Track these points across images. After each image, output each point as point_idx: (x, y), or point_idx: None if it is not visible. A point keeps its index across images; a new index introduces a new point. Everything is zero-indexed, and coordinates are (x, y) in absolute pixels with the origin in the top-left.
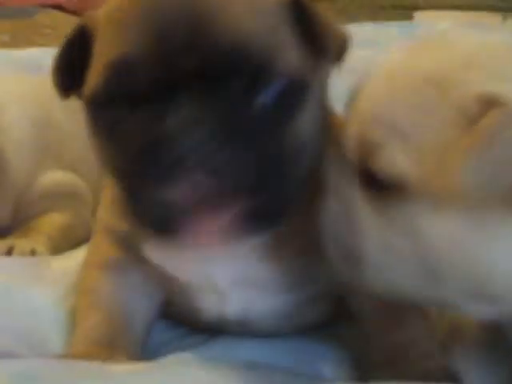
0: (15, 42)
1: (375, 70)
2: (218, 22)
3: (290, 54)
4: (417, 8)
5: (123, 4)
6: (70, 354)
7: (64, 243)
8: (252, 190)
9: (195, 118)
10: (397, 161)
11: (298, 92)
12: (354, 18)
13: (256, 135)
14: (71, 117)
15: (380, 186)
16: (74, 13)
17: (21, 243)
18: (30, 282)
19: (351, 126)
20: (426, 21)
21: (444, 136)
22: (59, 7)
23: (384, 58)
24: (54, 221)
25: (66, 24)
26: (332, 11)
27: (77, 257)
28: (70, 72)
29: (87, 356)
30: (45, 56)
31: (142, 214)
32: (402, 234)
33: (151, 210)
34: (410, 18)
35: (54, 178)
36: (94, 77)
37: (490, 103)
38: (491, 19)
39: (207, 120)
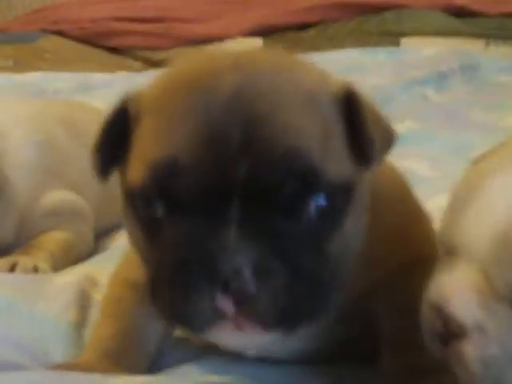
0: (18, 67)
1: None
2: (271, 126)
3: (340, 160)
4: (403, 34)
5: (171, 92)
6: (72, 363)
7: (65, 260)
8: (292, 302)
9: (246, 237)
10: None
11: (346, 199)
12: (342, 44)
13: (304, 252)
14: (73, 139)
15: None
16: (74, 38)
17: (23, 260)
18: (33, 296)
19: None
20: (413, 47)
21: None
22: (60, 33)
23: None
24: (55, 238)
25: (67, 49)
26: (320, 38)
27: (77, 273)
28: (108, 152)
29: (90, 366)
30: (46, 79)
31: (170, 310)
32: None
33: (181, 309)
34: (396, 44)
35: (55, 197)
36: (136, 171)
37: None
38: (475, 45)
39: (257, 240)
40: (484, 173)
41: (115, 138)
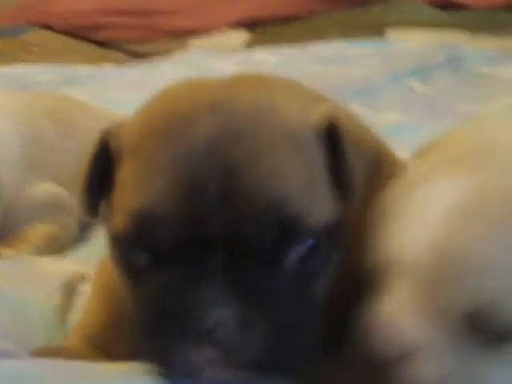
0: (5, 61)
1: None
2: (251, 175)
3: (325, 201)
4: (389, 26)
5: (148, 137)
6: (57, 348)
7: (49, 253)
8: (272, 353)
9: (227, 289)
10: None
11: (330, 241)
12: (328, 36)
13: (289, 300)
14: (58, 131)
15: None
16: (62, 32)
17: (7, 252)
18: (19, 281)
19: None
20: (399, 38)
21: None
22: (48, 26)
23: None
24: (39, 231)
25: (55, 42)
26: (306, 30)
27: (63, 263)
28: (95, 188)
29: (74, 352)
30: (31, 72)
31: (155, 356)
32: None
33: (167, 358)
34: (382, 35)
35: (40, 189)
36: (119, 217)
37: None
38: (460, 37)
39: (239, 291)
40: (412, 183)
41: (99, 173)
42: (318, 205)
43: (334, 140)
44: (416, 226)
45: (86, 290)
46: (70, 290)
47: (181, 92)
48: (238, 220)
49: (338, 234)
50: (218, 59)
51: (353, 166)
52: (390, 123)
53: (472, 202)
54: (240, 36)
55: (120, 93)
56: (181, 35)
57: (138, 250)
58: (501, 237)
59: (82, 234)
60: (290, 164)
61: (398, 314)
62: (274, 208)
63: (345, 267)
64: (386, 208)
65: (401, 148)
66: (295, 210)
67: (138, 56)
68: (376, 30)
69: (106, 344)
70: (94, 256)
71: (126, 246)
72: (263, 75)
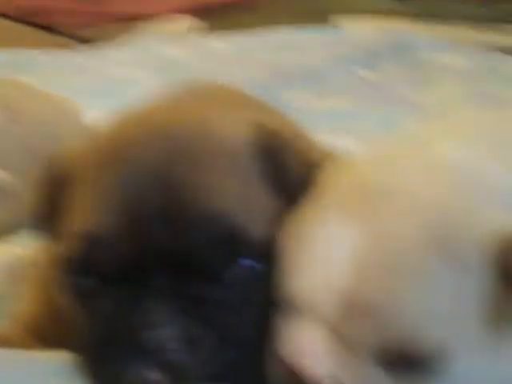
0: None
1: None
2: (190, 195)
3: (266, 215)
4: (336, 13)
5: (96, 159)
6: None
7: None
8: (220, 369)
9: (170, 308)
10: (437, 341)
11: (274, 251)
12: (275, 23)
13: (234, 314)
14: (5, 115)
15: (410, 364)
16: (10, 17)
17: None
18: None
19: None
20: (346, 26)
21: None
22: (3, 14)
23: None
24: None
25: (2, 27)
26: (253, 18)
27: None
28: (45, 212)
29: (11, 339)
30: None
31: (97, 373)
32: None
33: (109, 375)
34: (329, 23)
35: None
36: (64, 239)
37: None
38: (407, 25)
39: (182, 309)
40: (311, 217)
41: (48, 199)
42: (259, 219)
43: (274, 153)
44: (317, 268)
45: (29, 275)
46: (10, 276)
47: (126, 119)
48: (179, 238)
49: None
50: (167, 45)
51: (293, 177)
52: (339, 110)
53: (373, 244)
54: (188, 22)
55: (69, 78)
56: (129, 21)
57: (85, 273)
58: (407, 278)
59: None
60: (227, 181)
61: (313, 350)
62: (212, 223)
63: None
64: (289, 244)
65: (346, 133)
66: (236, 224)
67: (86, 41)
68: (323, 17)
69: (47, 333)
70: (39, 242)
71: (72, 271)
72: (208, 90)
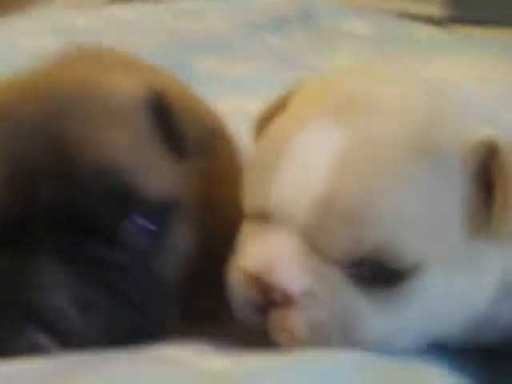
0: None
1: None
2: (78, 149)
3: (159, 173)
4: None
5: None
6: None
7: None
8: (119, 330)
9: (60, 268)
10: (414, 252)
11: (170, 215)
12: None
13: (126, 276)
14: None
15: (385, 278)
16: None
17: None
18: None
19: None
20: None
21: (463, 198)
22: None
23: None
24: None
25: None
26: None
27: None
28: None
29: None
30: None
31: None
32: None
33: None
34: None
35: None
36: None
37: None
38: None
39: (73, 270)
40: (290, 128)
41: None
42: (152, 177)
43: (161, 107)
44: (299, 174)
45: None
46: None
47: (12, 80)
48: (68, 195)
49: (181, 208)
50: (76, 15)
51: (185, 133)
52: (245, 76)
53: (354, 149)
54: None
55: None
56: None
57: None
58: (388, 182)
59: None
60: (117, 137)
61: (284, 260)
62: (103, 179)
63: (208, 233)
64: (259, 158)
65: (250, 98)
66: (125, 180)
67: None
68: None
69: None
70: None
71: None
72: (95, 50)
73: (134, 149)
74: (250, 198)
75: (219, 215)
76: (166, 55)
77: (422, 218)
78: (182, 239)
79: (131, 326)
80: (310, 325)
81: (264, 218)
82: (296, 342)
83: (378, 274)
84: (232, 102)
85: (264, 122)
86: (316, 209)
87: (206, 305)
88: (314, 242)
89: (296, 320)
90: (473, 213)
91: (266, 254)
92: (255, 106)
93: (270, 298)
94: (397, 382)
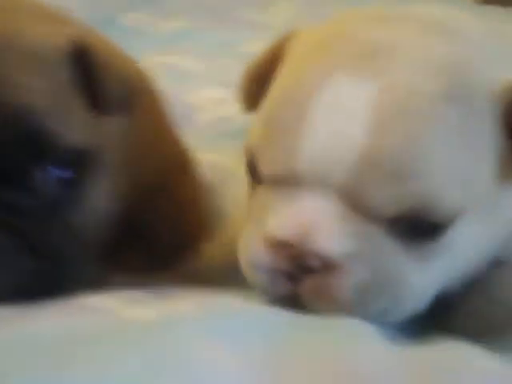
0: None
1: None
2: None
3: (76, 122)
4: None
5: None
6: None
7: None
8: (30, 279)
9: None
10: (453, 202)
11: (87, 165)
12: None
13: (38, 225)
14: None
15: (423, 231)
16: None
17: None
18: None
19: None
20: None
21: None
22: None
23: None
24: None
25: None
26: None
27: None
28: None
29: None
30: None
31: None
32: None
33: None
34: None
35: None
36: None
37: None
38: None
39: None
40: (311, 82)
41: None
42: (67, 125)
43: (84, 61)
44: (330, 131)
45: None
46: None
47: None
48: None
49: (100, 161)
50: None
51: (107, 88)
52: (177, 29)
53: (390, 100)
54: None
55: None
56: None
57: None
58: (430, 133)
59: None
60: (35, 81)
61: (321, 223)
62: (15, 119)
63: (131, 183)
64: (275, 120)
65: (184, 53)
66: (41, 123)
67: None
68: None
69: None
70: None
71: None
72: (17, 3)
73: (51, 96)
74: (269, 163)
75: (146, 169)
76: (92, 10)
77: (460, 166)
78: (100, 190)
79: (37, 270)
80: (356, 287)
81: (287, 182)
82: (340, 307)
83: (417, 228)
84: (165, 57)
85: (254, 78)
86: (358, 165)
87: (137, 257)
88: (353, 201)
89: (341, 285)
90: (502, 158)
91: (299, 219)
92: (190, 60)
93: (303, 265)
94: (312, 340)
